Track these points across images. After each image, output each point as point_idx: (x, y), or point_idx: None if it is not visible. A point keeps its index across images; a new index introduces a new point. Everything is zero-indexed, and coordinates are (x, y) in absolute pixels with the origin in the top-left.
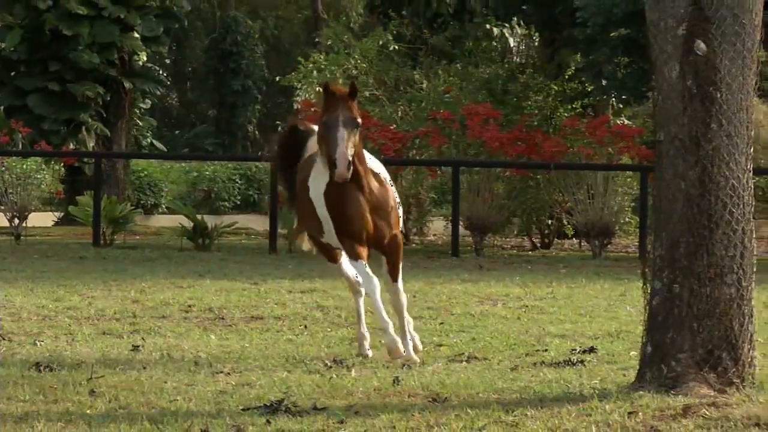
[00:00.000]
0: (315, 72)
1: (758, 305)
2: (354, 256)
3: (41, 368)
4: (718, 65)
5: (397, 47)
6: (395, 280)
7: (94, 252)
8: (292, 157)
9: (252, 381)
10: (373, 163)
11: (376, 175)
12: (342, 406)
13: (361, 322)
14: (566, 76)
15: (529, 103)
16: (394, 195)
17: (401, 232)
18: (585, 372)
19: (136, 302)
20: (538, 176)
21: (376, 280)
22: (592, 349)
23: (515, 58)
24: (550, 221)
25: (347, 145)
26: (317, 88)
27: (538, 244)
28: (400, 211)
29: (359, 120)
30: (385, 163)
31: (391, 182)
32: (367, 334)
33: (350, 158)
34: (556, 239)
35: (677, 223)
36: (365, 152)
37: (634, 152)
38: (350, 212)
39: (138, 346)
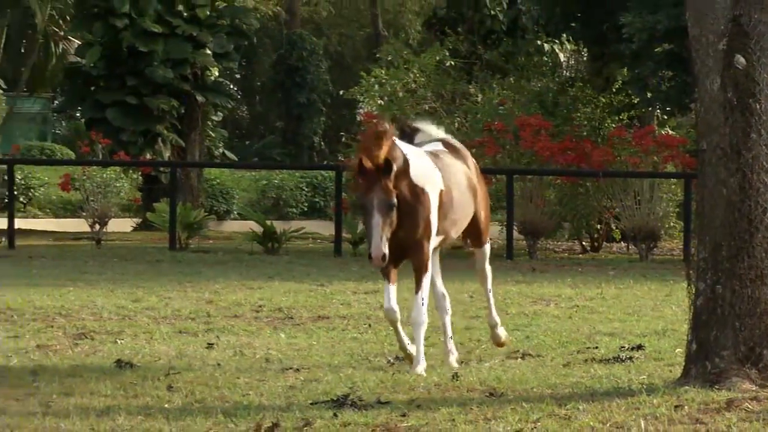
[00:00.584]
0: (376, 86)
1: None
2: (386, 279)
3: (122, 365)
4: (757, 78)
5: (453, 62)
6: (416, 291)
7: (170, 255)
8: None
9: (319, 377)
10: (419, 168)
11: (413, 189)
12: (404, 400)
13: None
14: (613, 89)
15: (579, 114)
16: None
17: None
18: (633, 368)
19: (210, 303)
20: (588, 183)
21: (395, 310)
22: (639, 347)
23: (565, 72)
24: (599, 226)
25: (382, 234)
26: (378, 101)
27: (588, 248)
28: (450, 214)
29: (394, 201)
30: None
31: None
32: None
33: (385, 249)
34: (604, 243)
35: (719, 228)
36: (419, 153)
37: (678, 161)
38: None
39: (212, 344)
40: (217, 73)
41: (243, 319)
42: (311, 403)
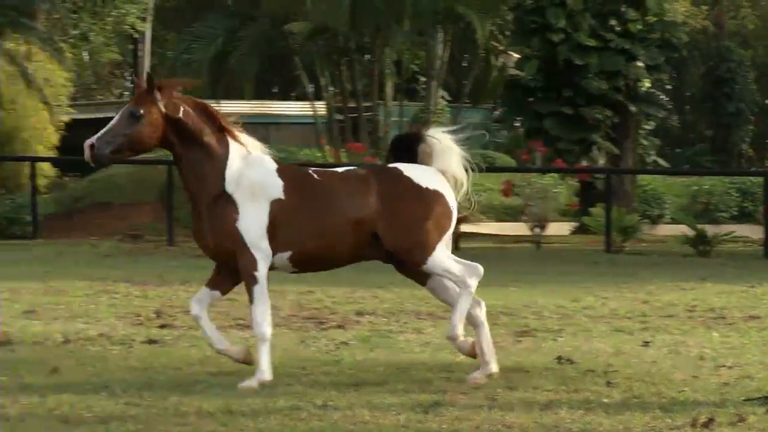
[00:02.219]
0: None
1: None
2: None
3: (562, 361)
4: None
5: None
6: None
7: (606, 258)
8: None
9: (752, 374)
10: (243, 175)
11: (220, 192)
12: None
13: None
14: None
15: None
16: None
17: None
18: None
19: (645, 303)
20: None
21: (195, 308)
22: None
23: None
24: None
25: (106, 133)
26: None
27: None
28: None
29: (139, 111)
30: None
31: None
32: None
33: (98, 148)
34: None
35: None
36: (261, 164)
37: None
38: None
39: (648, 342)
40: (648, 84)
41: (677, 318)
42: (744, 400)
